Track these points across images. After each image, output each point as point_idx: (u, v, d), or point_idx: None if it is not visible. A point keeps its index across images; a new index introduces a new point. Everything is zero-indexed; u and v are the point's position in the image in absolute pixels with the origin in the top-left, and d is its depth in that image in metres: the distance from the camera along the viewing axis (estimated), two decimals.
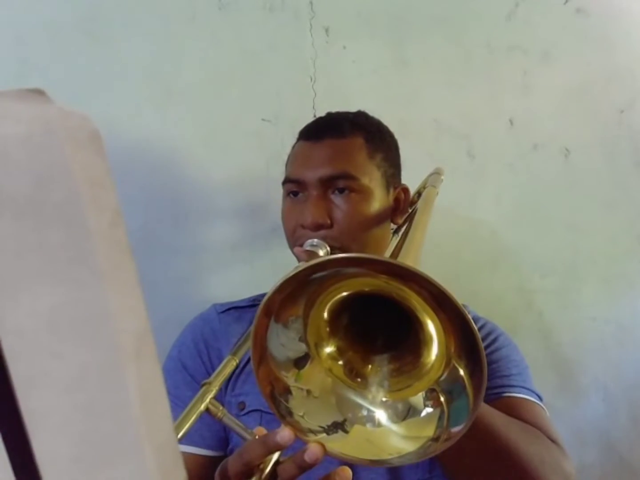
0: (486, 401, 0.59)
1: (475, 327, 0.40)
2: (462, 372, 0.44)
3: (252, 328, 0.45)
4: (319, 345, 0.51)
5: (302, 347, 0.49)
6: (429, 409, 0.47)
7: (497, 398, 0.65)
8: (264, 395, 0.46)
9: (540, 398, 0.68)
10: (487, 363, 0.71)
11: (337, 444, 0.46)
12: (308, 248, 0.67)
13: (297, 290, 0.45)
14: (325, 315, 0.50)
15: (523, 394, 0.67)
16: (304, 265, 0.42)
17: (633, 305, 1.08)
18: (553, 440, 0.61)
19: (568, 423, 1.05)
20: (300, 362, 0.49)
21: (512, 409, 0.62)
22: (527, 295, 1.07)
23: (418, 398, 0.48)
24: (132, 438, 0.20)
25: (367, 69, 0.99)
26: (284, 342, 0.47)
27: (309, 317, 0.48)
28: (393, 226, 0.77)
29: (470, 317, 0.40)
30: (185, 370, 0.72)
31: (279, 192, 0.76)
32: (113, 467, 0.20)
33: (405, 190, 0.77)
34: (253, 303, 0.79)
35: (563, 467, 0.58)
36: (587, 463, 1.07)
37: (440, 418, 0.45)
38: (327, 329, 0.51)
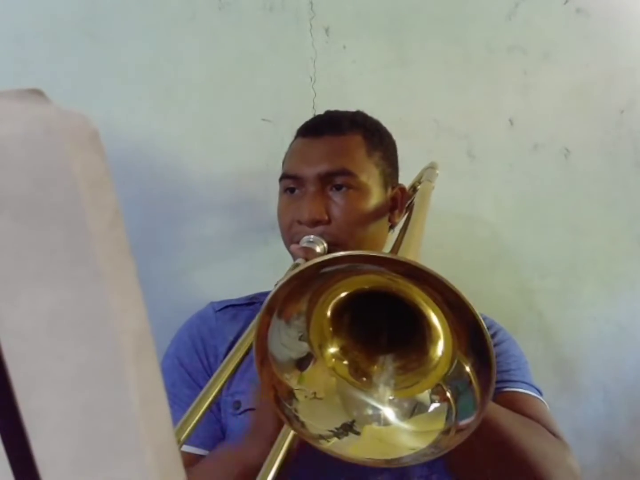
0: None
1: (485, 325, 0.40)
2: (468, 368, 0.44)
3: (254, 327, 0.44)
4: (322, 346, 0.50)
5: (304, 347, 0.49)
6: (436, 404, 0.47)
7: (497, 393, 0.65)
8: (270, 399, 0.46)
9: (540, 393, 0.68)
10: None
11: (351, 448, 0.46)
12: (305, 245, 0.66)
13: (302, 286, 0.44)
14: (329, 313, 0.50)
15: (523, 388, 0.67)
16: (314, 261, 0.41)
17: (633, 305, 1.08)
18: (555, 435, 0.61)
19: (568, 423, 1.05)
20: (302, 364, 0.49)
21: (513, 404, 0.62)
22: (527, 295, 1.07)
23: (425, 395, 0.48)
24: (132, 438, 0.20)
25: (367, 69, 0.99)
26: (285, 342, 0.47)
27: (312, 315, 0.48)
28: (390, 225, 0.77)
29: (477, 312, 0.40)
30: (183, 368, 0.72)
31: (278, 191, 0.76)
32: (113, 467, 0.20)
33: (403, 190, 0.77)
34: (250, 301, 0.79)
35: (566, 461, 0.58)
36: (587, 463, 1.07)
37: (448, 413, 0.45)
38: (331, 328, 0.50)
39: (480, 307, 0.80)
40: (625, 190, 1.06)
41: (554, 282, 1.06)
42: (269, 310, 0.44)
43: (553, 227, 1.05)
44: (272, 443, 0.50)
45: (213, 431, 0.68)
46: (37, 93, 0.19)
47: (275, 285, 0.43)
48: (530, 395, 0.66)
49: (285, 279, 0.42)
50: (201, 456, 0.67)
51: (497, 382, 0.67)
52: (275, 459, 0.47)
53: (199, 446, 0.67)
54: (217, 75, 0.95)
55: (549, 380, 1.06)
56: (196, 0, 0.94)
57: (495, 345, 0.72)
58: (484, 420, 0.53)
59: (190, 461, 0.66)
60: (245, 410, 0.67)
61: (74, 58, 0.90)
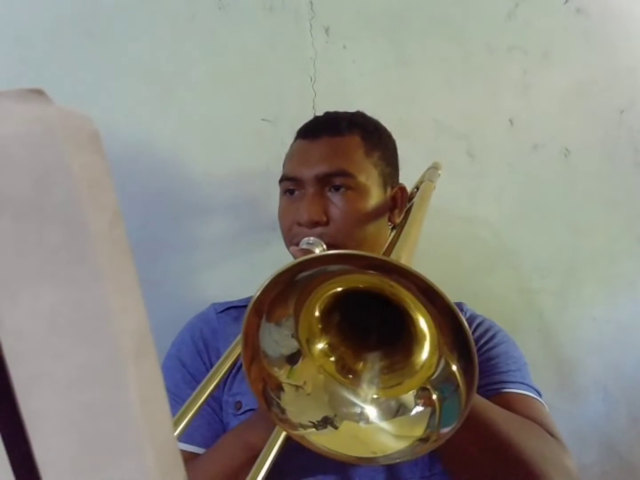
0: (485, 397, 0.59)
1: (466, 323, 0.40)
2: (454, 368, 0.44)
3: (242, 328, 0.45)
4: (310, 342, 0.51)
5: (294, 344, 0.49)
6: (420, 408, 0.47)
7: (496, 394, 0.65)
8: (256, 392, 0.46)
9: (539, 394, 0.68)
10: (486, 359, 0.71)
11: (324, 438, 0.46)
12: (304, 246, 0.67)
13: (286, 289, 0.45)
14: (317, 312, 0.50)
15: (522, 389, 0.67)
16: (287, 265, 0.42)
17: (633, 305, 1.08)
18: (553, 436, 0.61)
19: (568, 423, 1.05)
20: (292, 359, 0.49)
21: (511, 405, 0.62)
22: (527, 296, 1.07)
23: (409, 396, 0.48)
24: (132, 438, 0.20)
25: (367, 69, 0.99)
26: (276, 339, 0.48)
27: (300, 314, 0.49)
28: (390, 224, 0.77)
29: (458, 311, 0.40)
30: (185, 369, 0.72)
31: (278, 191, 0.76)
32: (113, 467, 0.20)
33: (403, 189, 0.77)
34: None
35: (564, 462, 0.58)
36: (587, 463, 1.07)
37: (431, 417, 0.45)
38: (319, 326, 0.51)
39: (480, 308, 0.81)
40: (625, 190, 1.07)
41: (554, 282, 1.06)
42: (256, 313, 0.45)
43: (553, 227, 1.05)
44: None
45: (216, 432, 0.68)
46: (38, 93, 0.19)
47: (258, 289, 0.43)
48: (529, 396, 0.66)
49: (264, 284, 0.43)
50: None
51: (496, 382, 0.67)
52: (267, 457, 0.48)
53: (202, 446, 0.67)
54: (217, 75, 0.95)
55: (549, 381, 1.06)
56: (196, 0, 0.94)
57: (494, 346, 0.72)
58: (481, 420, 0.53)
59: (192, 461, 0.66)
60: (247, 411, 0.67)
61: (74, 58, 0.90)
